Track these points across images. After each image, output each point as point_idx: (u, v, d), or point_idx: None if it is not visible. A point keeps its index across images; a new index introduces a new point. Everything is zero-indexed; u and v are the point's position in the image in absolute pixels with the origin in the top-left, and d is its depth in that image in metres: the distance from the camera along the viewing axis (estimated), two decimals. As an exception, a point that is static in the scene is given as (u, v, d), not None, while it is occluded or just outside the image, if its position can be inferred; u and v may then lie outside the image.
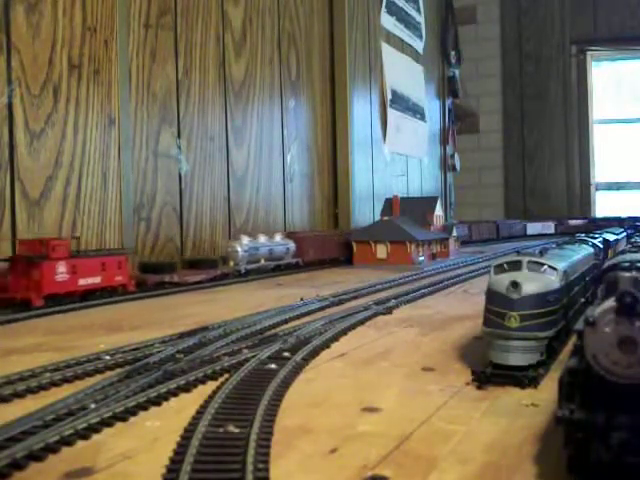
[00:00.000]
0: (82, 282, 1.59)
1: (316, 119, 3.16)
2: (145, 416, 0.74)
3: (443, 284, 1.94)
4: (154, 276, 1.90)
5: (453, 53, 5.00)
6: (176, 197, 2.23)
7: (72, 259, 1.57)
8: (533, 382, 0.81)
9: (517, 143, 5.58)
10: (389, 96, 3.83)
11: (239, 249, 2.15)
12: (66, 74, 1.82)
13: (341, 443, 0.64)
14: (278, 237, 2.39)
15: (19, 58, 1.69)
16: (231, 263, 2.16)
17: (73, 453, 0.63)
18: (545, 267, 0.85)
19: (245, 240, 2.20)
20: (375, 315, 1.39)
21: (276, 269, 2.35)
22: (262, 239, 2.29)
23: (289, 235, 2.50)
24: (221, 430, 0.65)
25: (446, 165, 5.04)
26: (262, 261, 2.26)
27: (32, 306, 1.46)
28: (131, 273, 1.81)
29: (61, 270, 1.53)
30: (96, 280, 1.64)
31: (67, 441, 0.64)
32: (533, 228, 4.59)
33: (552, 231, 4.60)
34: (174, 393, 0.81)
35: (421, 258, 2.63)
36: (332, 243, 2.68)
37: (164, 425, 0.70)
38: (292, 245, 2.43)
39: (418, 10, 4.41)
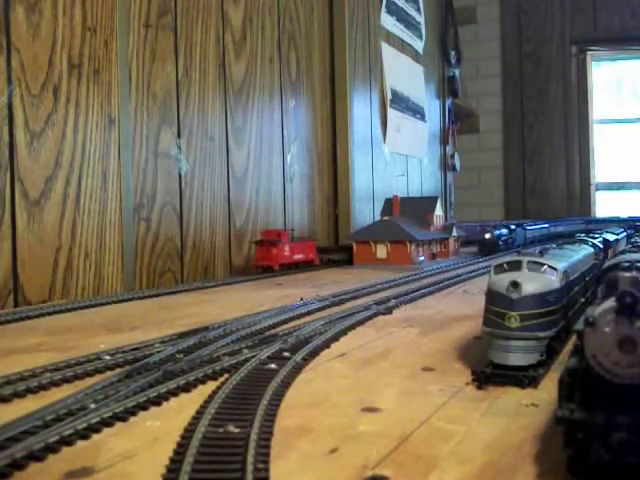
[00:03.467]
0: (295, 257, 2.46)
1: (316, 119, 3.16)
2: (145, 416, 0.74)
3: (443, 284, 1.94)
4: (325, 255, 2.69)
5: (453, 53, 5.00)
6: (176, 197, 2.23)
7: (291, 243, 2.44)
8: (533, 382, 0.81)
9: (517, 143, 5.58)
10: (389, 96, 3.83)
11: None
12: (66, 74, 1.82)
13: (341, 443, 0.64)
14: None
15: (19, 58, 1.69)
16: None
17: (73, 453, 0.63)
18: (545, 267, 0.85)
19: None
20: (375, 315, 1.39)
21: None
22: None
23: None
24: (221, 430, 0.65)
25: (446, 165, 5.03)
26: None
27: (273, 270, 2.32)
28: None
29: (286, 249, 2.39)
30: (301, 256, 2.49)
31: (67, 441, 0.64)
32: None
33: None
34: (174, 393, 0.81)
35: (421, 258, 2.63)
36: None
37: (164, 425, 0.70)
38: None
39: (418, 10, 4.41)
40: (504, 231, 3.21)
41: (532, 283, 0.82)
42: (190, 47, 2.30)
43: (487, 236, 3.09)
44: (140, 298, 1.74)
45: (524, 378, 0.80)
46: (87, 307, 1.58)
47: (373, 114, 3.63)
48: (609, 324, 0.50)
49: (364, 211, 3.45)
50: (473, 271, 2.30)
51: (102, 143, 1.93)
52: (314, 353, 1.02)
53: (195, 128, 2.32)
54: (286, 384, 0.83)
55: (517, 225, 3.41)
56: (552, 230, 3.98)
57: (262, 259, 2.35)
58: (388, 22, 3.89)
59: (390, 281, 2.00)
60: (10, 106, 1.67)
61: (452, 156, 5.06)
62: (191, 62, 2.31)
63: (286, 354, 0.98)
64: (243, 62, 2.59)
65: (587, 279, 1.10)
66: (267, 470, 0.56)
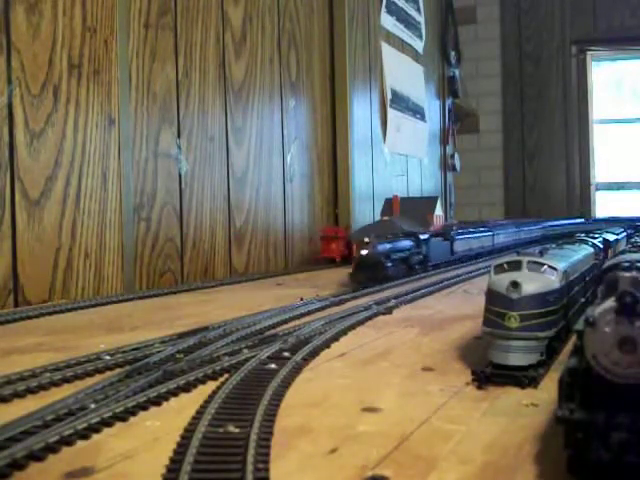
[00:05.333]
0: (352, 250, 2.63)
1: (316, 119, 3.16)
2: (145, 416, 0.74)
3: (443, 284, 1.94)
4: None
5: (453, 53, 4.99)
6: (176, 197, 2.23)
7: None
8: (533, 382, 0.81)
9: (517, 143, 5.58)
10: (389, 96, 3.82)
11: None
12: (66, 74, 1.82)
13: (341, 443, 0.64)
14: None
15: (19, 58, 1.69)
16: None
17: (73, 453, 0.63)
18: (545, 267, 0.85)
19: None
20: (375, 315, 1.39)
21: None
22: None
23: None
24: (221, 430, 0.65)
25: (446, 165, 5.03)
26: None
27: (335, 261, 2.71)
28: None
29: (343, 244, 2.75)
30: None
31: (67, 441, 0.64)
32: None
33: None
34: (174, 393, 0.81)
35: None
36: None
37: (164, 425, 0.70)
38: None
39: (418, 10, 4.40)
40: (405, 244, 2.01)
41: (532, 283, 0.82)
42: (190, 47, 2.30)
43: (363, 252, 1.86)
44: (140, 298, 1.74)
45: (524, 378, 0.80)
46: (87, 307, 1.58)
47: (373, 114, 3.63)
48: (609, 324, 0.50)
49: (364, 211, 3.44)
50: (473, 271, 2.30)
51: (102, 143, 1.93)
52: (314, 353, 1.02)
53: (195, 128, 2.32)
54: (286, 384, 0.83)
55: (435, 234, 2.26)
56: (504, 239, 3.04)
57: (327, 251, 2.78)
58: (388, 22, 3.89)
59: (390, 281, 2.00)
60: (10, 106, 1.67)
61: (452, 156, 5.06)
62: (191, 62, 2.31)
63: (286, 354, 0.98)
64: (243, 62, 2.59)
65: (587, 279, 1.10)
66: (267, 470, 0.56)
